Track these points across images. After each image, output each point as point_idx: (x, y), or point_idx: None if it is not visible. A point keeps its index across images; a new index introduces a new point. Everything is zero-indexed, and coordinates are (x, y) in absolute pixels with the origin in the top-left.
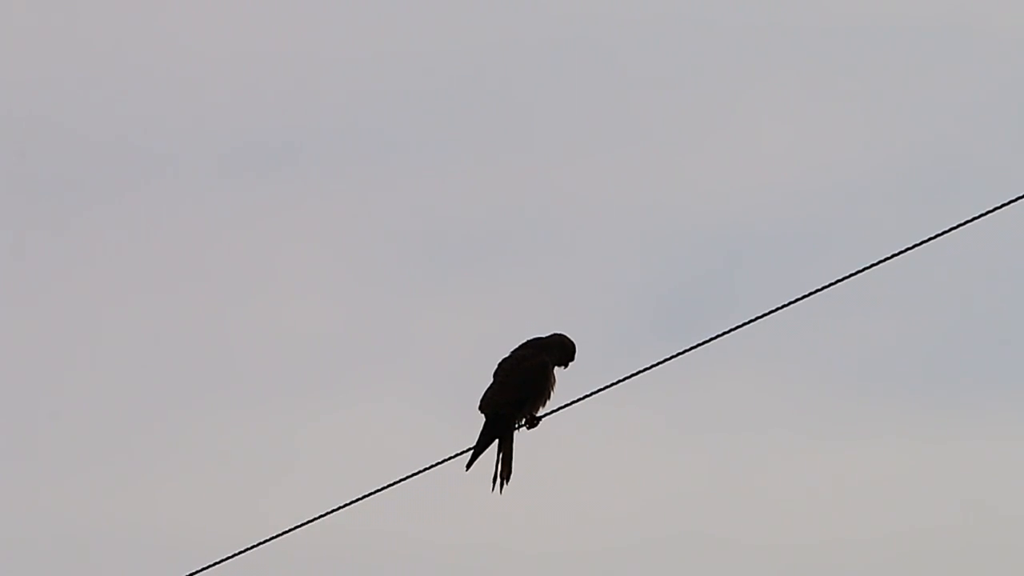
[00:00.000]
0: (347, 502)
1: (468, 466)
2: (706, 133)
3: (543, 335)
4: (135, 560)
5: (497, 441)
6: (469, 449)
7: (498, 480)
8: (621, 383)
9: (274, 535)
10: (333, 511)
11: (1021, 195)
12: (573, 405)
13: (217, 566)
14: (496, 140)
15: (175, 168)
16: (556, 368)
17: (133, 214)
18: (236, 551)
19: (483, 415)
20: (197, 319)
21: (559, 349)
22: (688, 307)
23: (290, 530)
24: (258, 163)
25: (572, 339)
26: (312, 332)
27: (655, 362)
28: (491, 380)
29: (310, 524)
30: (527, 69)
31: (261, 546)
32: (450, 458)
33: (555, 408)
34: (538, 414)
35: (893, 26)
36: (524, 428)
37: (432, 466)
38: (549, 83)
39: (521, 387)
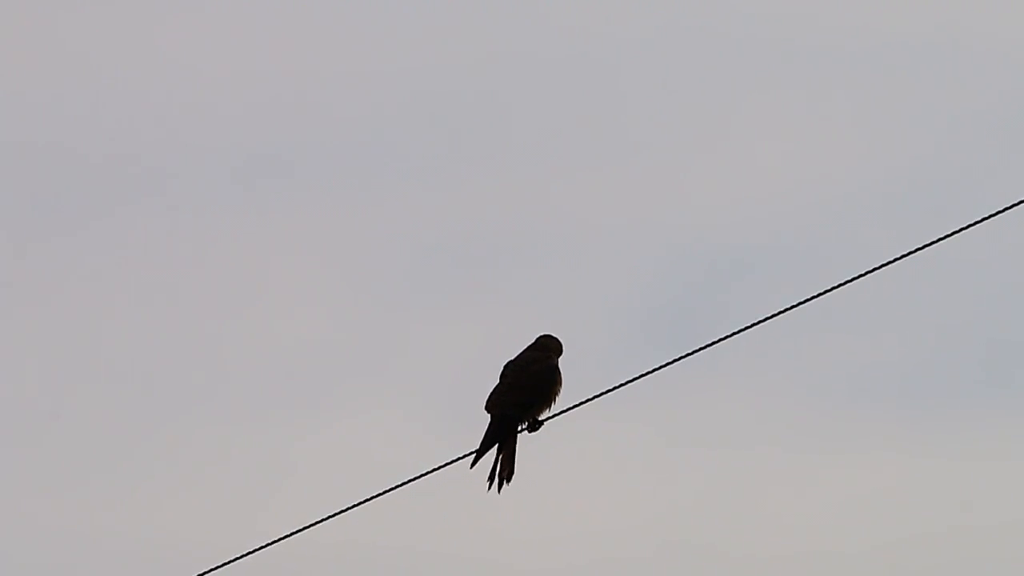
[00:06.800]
0: (340, 510)
1: (472, 464)
2: (700, 146)
3: (545, 335)
4: (132, 569)
5: (496, 449)
6: (460, 458)
7: (496, 479)
8: (614, 391)
9: (266, 543)
10: (327, 519)
11: (1009, 206)
12: (566, 413)
13: (213, 572)
14: (491, 153)
15: (170, 180)
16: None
17: (129, 226)
18: (227, 560)
19: (489, 414)
20: (194, 330)
21: (557, 350)
22: (683, 320)
23: (283, 538)
24: (253, 175)
25: (557, 337)
26: (308, 343)
27: (647, 370)
28: (497, 382)
29: (304, 533)
30: (522, 82)
31: (254, 555)
32: (441, 467)
33: (549, 416)
34: (541, 418)
35: (887, 41)
36: (526, 431)
37: (423, 475)
38: (543, 96)
39: (531, 389)
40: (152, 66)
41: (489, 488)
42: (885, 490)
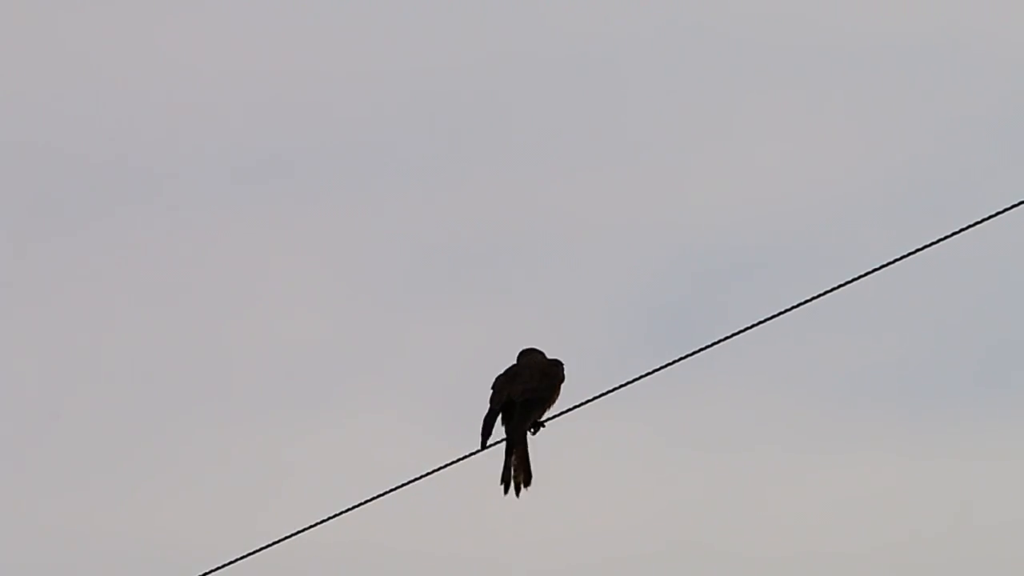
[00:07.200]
0: (340, 511)
1: (482, 448)
2: (700, 146)
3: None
4: (132, 569)
5: (508, 445)
6: (459, 460)
7: (513, 483)
8: (615, 392)
9: (265, 545)
10: (326, 520)
11: (1009, 206)
12: (567, 413)
13: (213, 573)
14: (491, 153)
15: (170, 180)
16: None
17: (128, 226)
18: (227, 561)
19: (509, 400)
20: (193, 330)
21: None
22: (683, 320)
23: (282, 540)
24: (253, 175)
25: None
26: (308, 343)
27: (647, 371)
28: (505, 378)
29: (304, 534)
30: (522, 82)
31: (254, 555)
32: (443, 467)
33: (549, 416)
34: (542, 419)
35: (887, 41)
36: (531, 432)
37: (424, 475)
38: (543, 96)
39: (553, 378)
40: (152, 66)
41: (506, 492)
42: (885, 490)
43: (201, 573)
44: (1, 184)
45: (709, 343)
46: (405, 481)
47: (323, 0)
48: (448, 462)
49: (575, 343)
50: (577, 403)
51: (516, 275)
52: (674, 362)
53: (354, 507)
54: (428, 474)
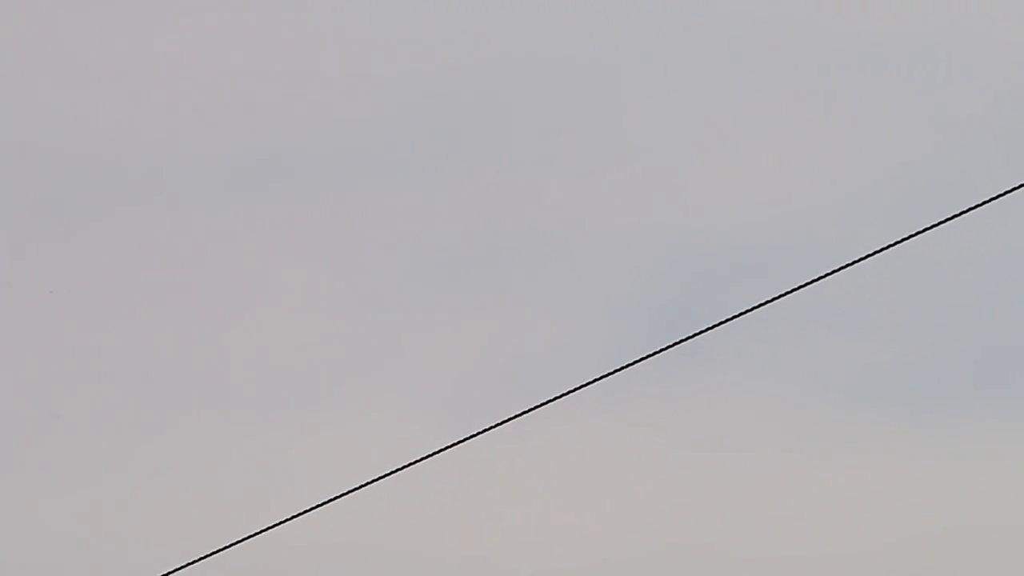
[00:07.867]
0: (322, 502)
1: None
2: (700, 147)
3: None
4: (131, 569)
5: None
6: (444, 449)
7: None
8: (611, 392)
9: (251, 534)
10: (309, 510)
11: (999, 194)
12: (554, 403)
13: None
14: (491, 153)
15: (170, 181)
16: None
17: (129, 227)
18: (215, 549)
19: None
20: (194, 331)
21: None
22: (683, 320)
23: (261, 532)
24: (252, 177)
25: None
26: (308, 343)
27: (631, 361)
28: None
29: (301, 535)
30: (522, 83)
31: (251, 555)
32: (423, 458)
33: (533, 407)
34: None
35: (886, 42)
36: None
37: (407, 465)
38: (543, 97)
39: None
40: (152, 66)
41: None
42: (884, 491)
43: (187, 563)
44: (1, 184)
45: (694, 332)
46: (386, 472)
47: (323, 0)
48: (426, 454)
49: (575, 343)
50: (559, 394)
51: (516, 275)
52: (660, 351)
53: (334, 499)
54: (410, 465)
